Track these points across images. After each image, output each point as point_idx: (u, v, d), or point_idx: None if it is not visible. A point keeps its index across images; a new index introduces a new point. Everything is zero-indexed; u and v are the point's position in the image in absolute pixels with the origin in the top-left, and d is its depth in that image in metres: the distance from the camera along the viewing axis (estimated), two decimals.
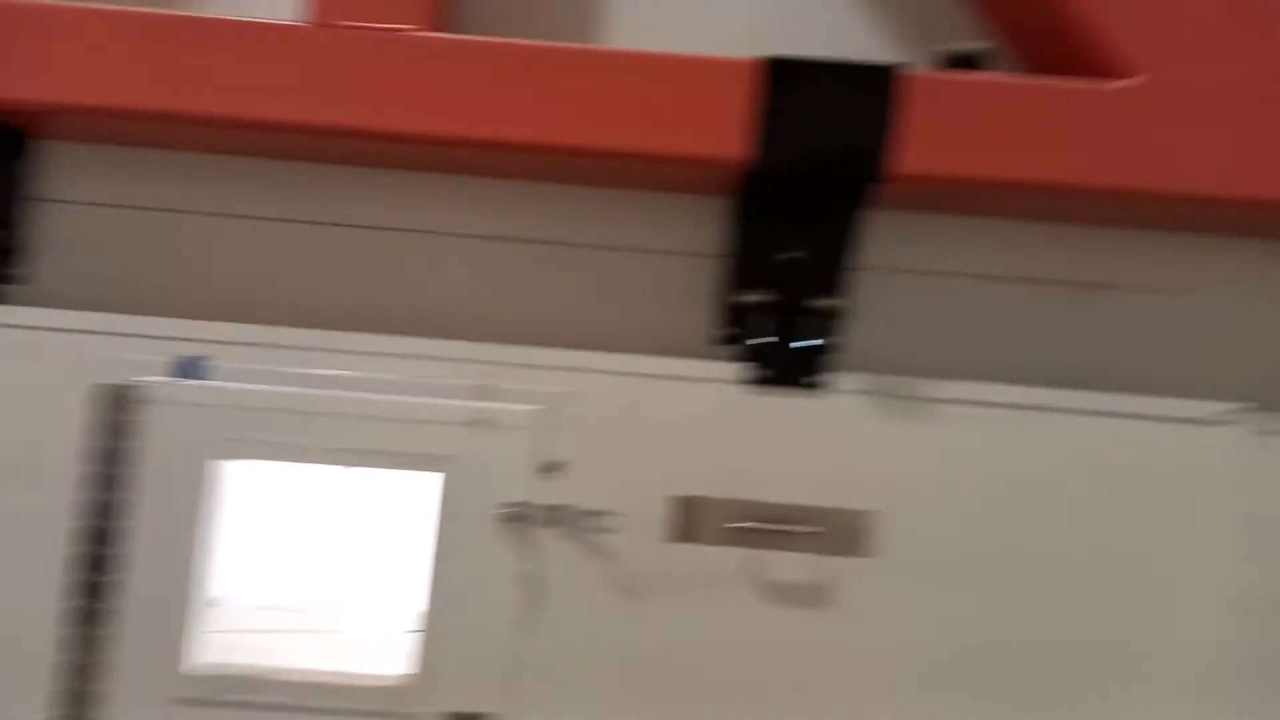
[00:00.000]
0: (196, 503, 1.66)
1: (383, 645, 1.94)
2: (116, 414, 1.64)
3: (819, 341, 1.70)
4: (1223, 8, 1.56)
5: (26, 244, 1.80)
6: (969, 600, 1.68)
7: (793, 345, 1.71)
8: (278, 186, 1.82)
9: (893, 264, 1.80)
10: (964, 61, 1.67)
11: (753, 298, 1.71)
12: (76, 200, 1.83)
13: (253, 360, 1.67)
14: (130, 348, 1.66)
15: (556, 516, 1.69)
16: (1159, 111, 1.55)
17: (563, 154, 1.60)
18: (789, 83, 1.55)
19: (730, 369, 1.72)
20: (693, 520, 1.71)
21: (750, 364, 1.71)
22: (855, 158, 1.57)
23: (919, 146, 1.55)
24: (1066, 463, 1.69)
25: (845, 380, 1.71)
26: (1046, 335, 1.82)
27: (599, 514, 1.69)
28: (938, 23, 1.78)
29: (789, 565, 1.70)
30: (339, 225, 1.83)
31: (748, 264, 1.73)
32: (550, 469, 1.69)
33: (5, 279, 1.78)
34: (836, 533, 1.70)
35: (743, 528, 1.70)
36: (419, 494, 1.72)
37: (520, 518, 1.68)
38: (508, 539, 1.68)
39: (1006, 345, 1.81)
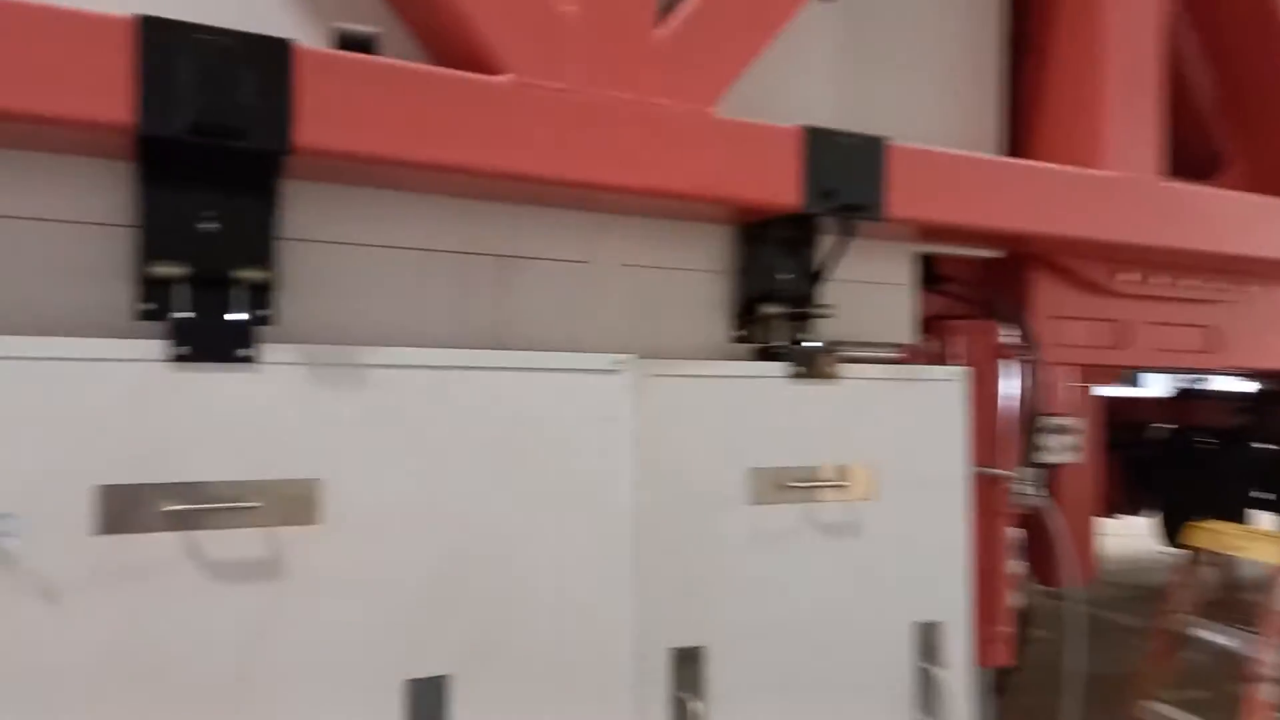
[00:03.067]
0: None
1: None
2: None
3: (247, 315, 1.69)
4: (579, 22, 1.84)
5: None
6: (412, 553, 1.80)
7: (224, 318, 1.67)
8: None
9: (321, 235, 1.85)
10: (357, 43, 1.76)
11: (170, 270, 1.64)
12: None
13: None
14: None
15: None
16: (527, 106, 1.78)
17: None
18: (170, 46, 1.50)
19: (151, 347, 1.63)
20: (123, 510, 1.60)
21: (174, 340, 1.64)
22: (250, 128, 1.58)
23: (316, 121, 1.61)
24: (492, 415, 1.89)
25: (278, 352, 1.72)
26: (471, 301, 2.01)
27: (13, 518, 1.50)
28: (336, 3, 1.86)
29: (234, 542, 1.67)
30: None
31: (162, 235, 1.65)
32: None
33: None
34: (281, 504, 1.71)
35: (181, 510, 1.63)
36: None
37: None
38: None
39: (436, 312, 1.97)
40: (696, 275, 2.27)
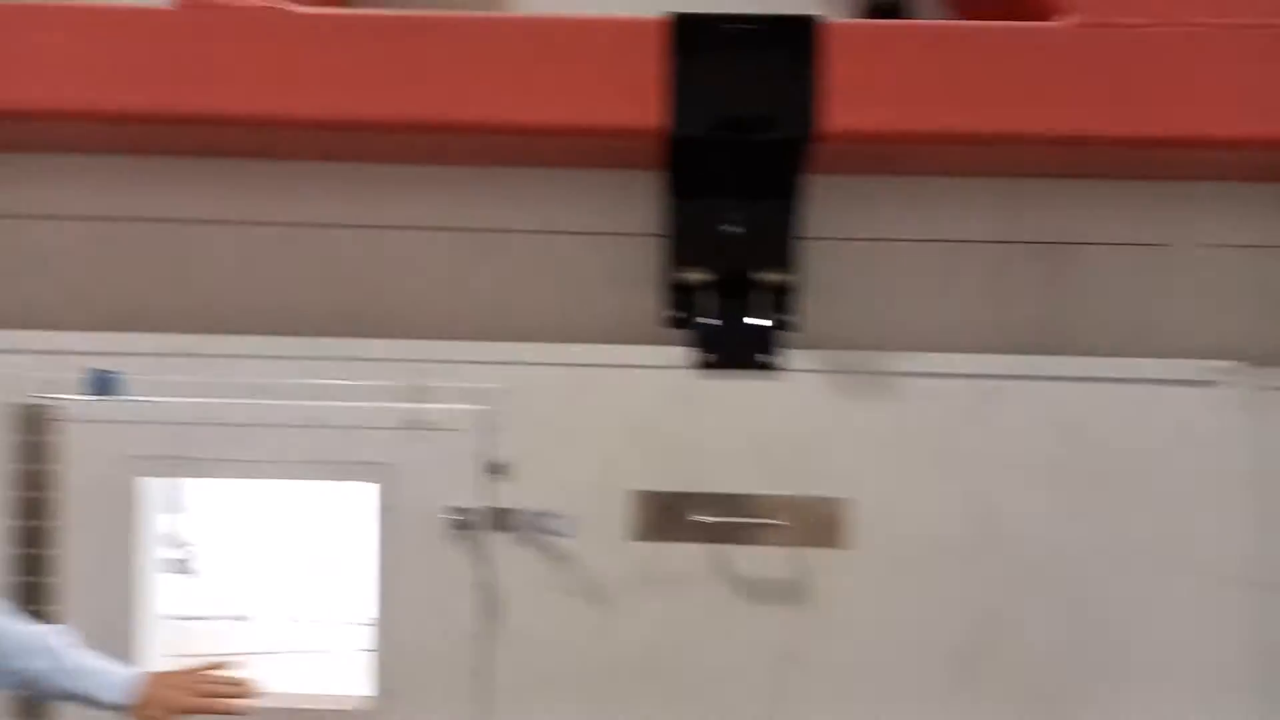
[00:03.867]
0: (125, 524, 1.58)
1: (339, 663, 1.87)
2: (33, 435, 1.56)
3: (769, 320, 1.60)
4: None
5: None
6: (955, 588, 1.57)
7: (746, 322, 1.61)
8: (182, 184, 1.74)
9: (842, 232, 1.69)
10: (884, 10, 1.56)
11: (695, 276, 1.61)
12: None
13: (171, 371, 1.59)
14: (41, 365, 1.57)
15: (507, 520, 1.59)
16: (1096, 52, 1.44)
17: (451, 130, 1.50)
18: (699, 42, 1.45)
19: (681, 353, 1.61)
20: (655, 516, 1.61)
21: (700, 346, 1.61)
22: (777, 117, 1.47)
23: (846, 102, 1.45)
24: (1047, 433, 1.57)
25: (801, 358, 1.60)
26: (1012, 298, 1.70)
27: (553, 515, 1.59)
28: None
29: (760, 560, 1.59)
30: (256, 223, 1.74)
31: (688, 241, 1.63)
32: (496, 470, 1.60)
33: None
34: (807, 523, 1.59)
35: (708, 521, 1.60)
36: (365, 503, 1.64)
37: (468, 524, 1.59)
38: (457, 547, 1.59)
39: (971, 312, 1.70)
40: None
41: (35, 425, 1.56)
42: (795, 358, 1.60)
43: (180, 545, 2.43)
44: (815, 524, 1.58)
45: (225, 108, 1.48)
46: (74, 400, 1.57)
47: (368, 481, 1.60)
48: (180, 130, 1.55)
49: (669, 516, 1.61)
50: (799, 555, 1.58)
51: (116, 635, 1.56)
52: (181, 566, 2.44)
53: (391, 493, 1.59)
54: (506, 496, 1.59)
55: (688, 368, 1.61)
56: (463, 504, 1.58)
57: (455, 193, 1.74)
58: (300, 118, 1.49)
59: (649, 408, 1.61)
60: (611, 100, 1.46)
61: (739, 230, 1.61)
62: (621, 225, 1.73)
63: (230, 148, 1.67)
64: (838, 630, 1.57)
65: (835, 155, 1.54)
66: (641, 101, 1.46)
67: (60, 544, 1.57)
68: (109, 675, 1.30)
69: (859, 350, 1.62)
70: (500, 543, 1.59)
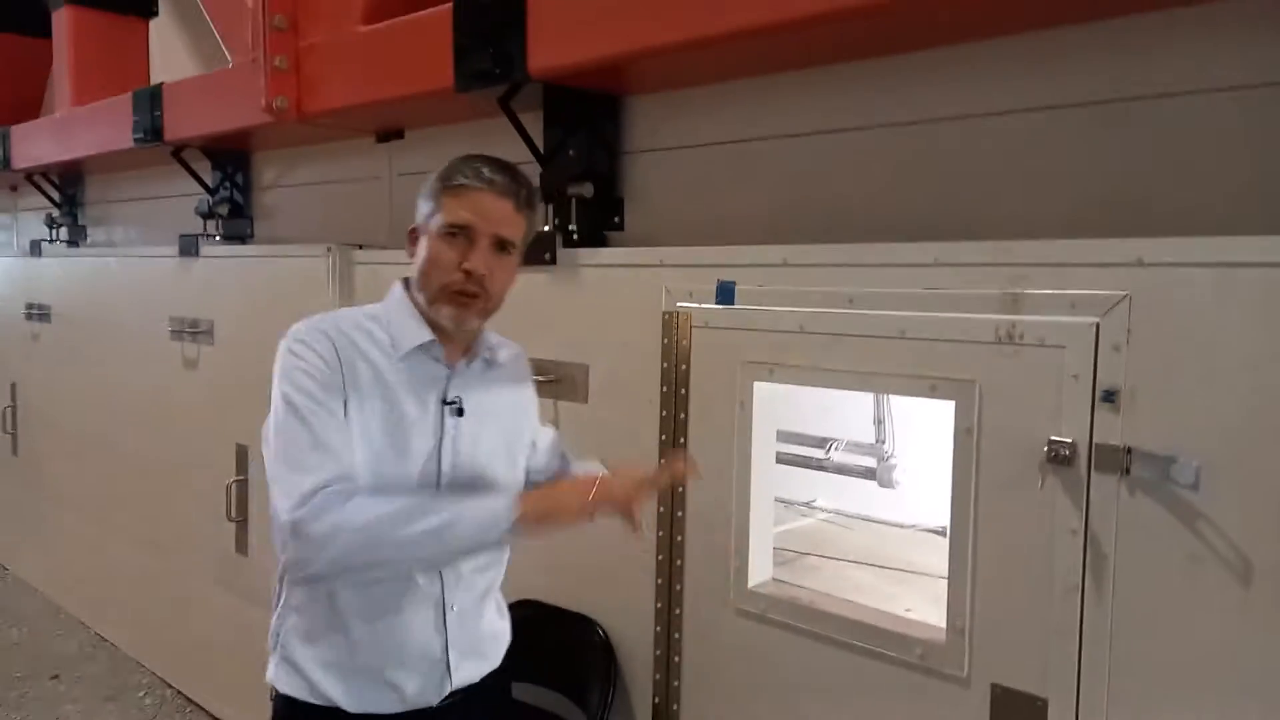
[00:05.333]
0: (744, 422, 1.71)
1: (928, 589, 1.77)
2: (678, 337, 1.80)
3: None
4: None
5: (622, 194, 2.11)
6: None
7: None
8: (782, 104, 1.81)
9: None
10: None
11: None
12: (646, 149, 2.08)
13: (778, 280, 1.66)
14: (687, 277, 1.79)
15: (1120, 461, 1.30)
16: None
17: None
18: None
19: None
20: None
21: None
22: None
23: None
24: None
25: None
26: None
27: (1182, 461, 1.24)
28: None
29: None
30: (843, 130, 1.73)
31: None
32: (1107, 398, 1.31)
33: (609, 225, 2.10)
34: None
35: None
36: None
37: (1065, 459, 1.34)
38: (1049, 484, 1.36)
39: None
40: None
41: (677, 329, 1.80)
42: None
43: (882, 458, 2.57)
44: None
45: None
46: (700, 308, 1.76)
47: (948, 399, 1.46)
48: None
49: None
50: None
51: (729, 519, 1.73)
52: (879, 476, 2.57)
53: (969, 413, 1.43)
54: (1118, 431, 1.30)
55: None
56: (1059, 434, 1.34)
57: (1060, 63, 1.48)
58: None
59: None
60: None
61: None
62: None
63: (818, 56, 1.68)
64: None
65: None
66: None
67: (692, 434, 1.79)
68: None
69: None
70: (1106, 485, 1.31)
